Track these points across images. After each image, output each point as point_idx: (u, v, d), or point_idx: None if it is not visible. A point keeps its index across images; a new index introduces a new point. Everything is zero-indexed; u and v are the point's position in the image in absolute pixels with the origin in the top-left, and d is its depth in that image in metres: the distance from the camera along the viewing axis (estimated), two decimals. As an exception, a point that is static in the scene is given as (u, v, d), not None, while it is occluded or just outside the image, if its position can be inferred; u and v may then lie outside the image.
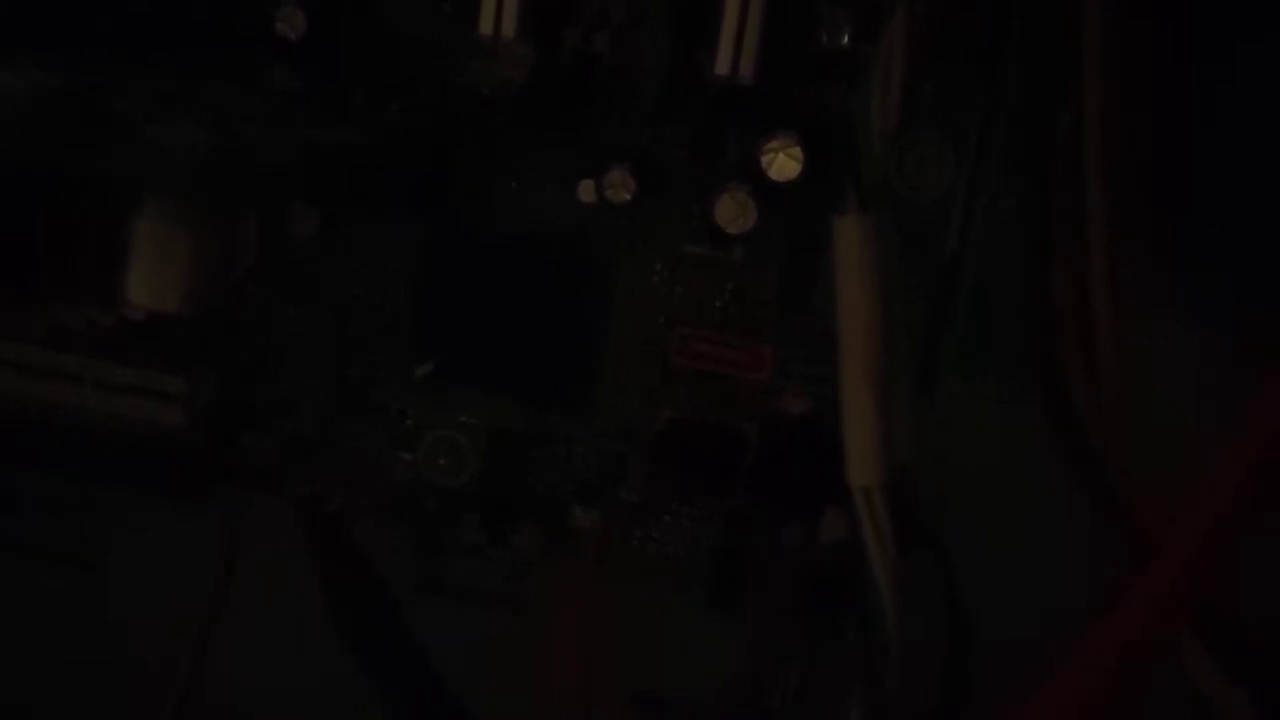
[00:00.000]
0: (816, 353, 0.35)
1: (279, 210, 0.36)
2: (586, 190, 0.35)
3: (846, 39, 0.34)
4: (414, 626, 0.41)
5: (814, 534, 0.36)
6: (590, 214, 0.35)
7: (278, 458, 0.39)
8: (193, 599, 0.39)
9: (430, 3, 0.35)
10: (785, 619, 0.36)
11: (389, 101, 0.35)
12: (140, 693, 0.39)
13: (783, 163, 0.33)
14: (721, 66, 0.32)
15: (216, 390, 0.38)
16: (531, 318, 0.37)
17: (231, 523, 0.39)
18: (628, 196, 0.34)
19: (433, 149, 0.36)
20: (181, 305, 0.29)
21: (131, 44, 0.33)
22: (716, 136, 0.35)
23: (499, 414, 0.38)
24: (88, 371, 0.36)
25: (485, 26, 0.33)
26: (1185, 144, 0.33)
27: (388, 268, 0.37)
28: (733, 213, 0.34)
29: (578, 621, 0.31)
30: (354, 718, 0.41)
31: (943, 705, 0.35)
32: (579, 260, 0.36)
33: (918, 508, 0.36)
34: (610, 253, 0.36)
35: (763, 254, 0.35)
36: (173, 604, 0.39)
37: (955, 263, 0.35)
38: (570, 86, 0.35)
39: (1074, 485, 0.32)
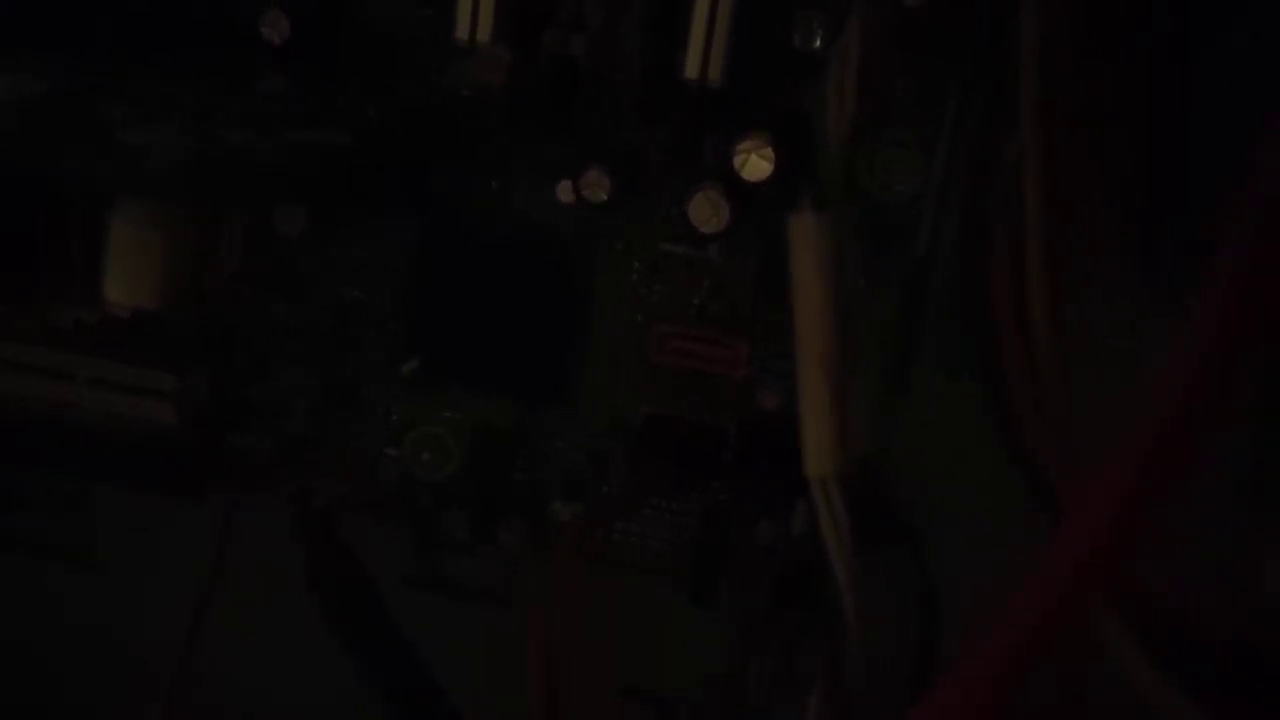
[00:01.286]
0: (793, 348, 0.36)
1: (266, 211, 0.36)
2: (564, 190, 0.35)
3: (819, 42, 0.34)
4: (403, 622, 0.41)
5: (787, 527, 0.36)
6: (570, 214, 0.36)
7: (270, 455, 0.40)
8: (189, 595, 0.40)
9: (411, 6, 0.35)
10: (762, 612, 0.36)
11: (371, 103, 0.36)
12: (136, 687, 0.40)
13: (754, 163, 0.34)
14: (691, 70, 0.33)
15: (208, 388, 0.38)
16: (515, 316, 0.37)
17: (224, 520, 0.40)
18: (604, 196, 0.35)
19: (416, 150, 0.36)
20: (159, 301, 0.30)
21: (117, 48, 0.34)
22: (692, 137, 0.35)
23: (484, 410, 0.38)
24: (81, 369, 0.37)
25: (462, 31, 0.33)
26: (1174, 146, 0.33)
27: (374, 267, 0.38)
28: (706, 213, 0.34)
29: (546, 613, 0.32)
30: (347, 712, 0.41)
31: (915, 700, 0.35)
32: (560, 259, 0.37)
33: (894, 502, 0.36)
34: (590, 252, 0.37)
35: (738, 253, 0.36)
36: (168, 600, 0.40)
37: (928, 261, 0.35)
38: (549, 89, 0.35)
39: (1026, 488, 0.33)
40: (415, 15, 0.35)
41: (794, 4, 0.34)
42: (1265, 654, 0.30)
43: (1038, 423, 0.31)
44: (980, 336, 0.33)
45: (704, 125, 0.35)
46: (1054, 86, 0.29)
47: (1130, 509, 0.20)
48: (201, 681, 0.40)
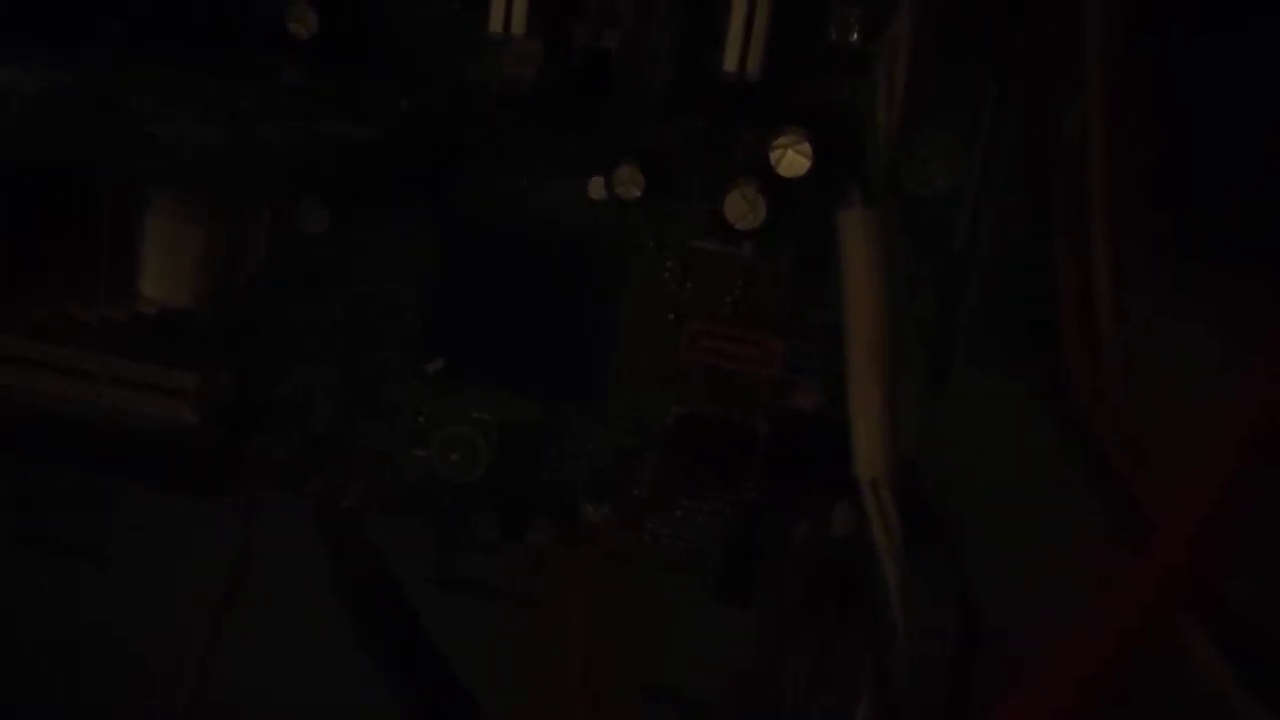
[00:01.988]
0: (827, 347, 0.36)
1: (291, 207, 0.36)
2: (596, 187, 0.35)
3: (856, 36, 0.34)
4: (429, 621, 0.41)
5: (825, 528, 0.36)
6: (600, 210, 0.36)
7: (292, 455, 0.39)
8: (208, 595, 0.39)
9: (441, 0, 0.35)
10: (795, 612, 0.36)
11: (400, 98, 0.36)
12: (155, 687, 0.40)
13: (791, 159, 0.33)
14: (729, 64, 0.32)
15: (230, 387, 0.38)
16: (544, 314, 0.37)
17: (246, 520, 0.39)
18: (637, 193, 0.35)
19: (444, 146, 0.36)
20: (193, 300, 0.30)
21: (144, 41, 0.34)
22: (726, 133, 0.35)
23: (512, 410, 0.38)
24: (103, 368, 0.36)
25: (495, 24, 0.33)
26: (1191, 142, 0.33)
27: (400, 265, 0.37)
28: (742, 209, 0.34)
29: (581, 613, 0.32)
30: (366, 714, 0.41)
31: (952, 699, 0.35)
32: (590, 256, 0.36)
33: (928, 501, 0.36)
34: (621, 249, 0.36)
35: (773, 249, 0.35)
36: (187, 600, 0.39)
37: (965, 257, 0.35)
38: (580, 83, 0.35)
39: (1085, 481, 0.32)
40: (444, 9, 0.35)
41: (832, -1, 0.33)
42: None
43: (1100, 410, 0.30)
44: (1033, 330, 0.32)
45: (737, 120, 0.34)
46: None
47: (1216, 521, 0.20)
48: (220, 682, 0.40)
